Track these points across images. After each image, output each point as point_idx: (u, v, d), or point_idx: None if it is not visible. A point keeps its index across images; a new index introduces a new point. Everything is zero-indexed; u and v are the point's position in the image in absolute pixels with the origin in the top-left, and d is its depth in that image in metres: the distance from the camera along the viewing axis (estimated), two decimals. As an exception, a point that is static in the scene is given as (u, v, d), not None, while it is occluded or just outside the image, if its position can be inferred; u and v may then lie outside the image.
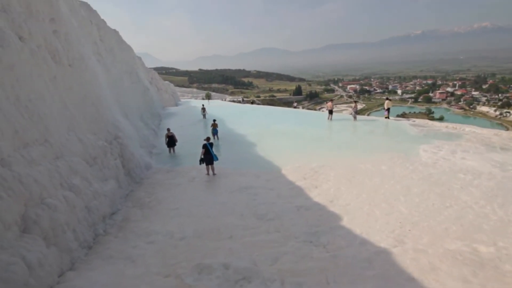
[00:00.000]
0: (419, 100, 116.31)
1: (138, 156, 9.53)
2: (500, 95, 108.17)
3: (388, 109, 18.24)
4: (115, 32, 16.48)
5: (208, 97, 57.74)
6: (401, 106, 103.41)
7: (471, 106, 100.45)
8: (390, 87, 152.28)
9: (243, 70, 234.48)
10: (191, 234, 5.27)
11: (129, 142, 9.01)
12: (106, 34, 13.34)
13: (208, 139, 9.39)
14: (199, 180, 8.83)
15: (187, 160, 11.22)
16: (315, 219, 5.77)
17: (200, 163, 9.12)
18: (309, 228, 5.39)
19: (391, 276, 3.63)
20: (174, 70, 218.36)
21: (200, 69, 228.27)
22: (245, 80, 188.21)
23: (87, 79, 7.68)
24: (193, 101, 49.46)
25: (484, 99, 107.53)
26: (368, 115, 71.07)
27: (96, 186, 5.94)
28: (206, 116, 22.96)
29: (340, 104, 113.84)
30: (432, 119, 79.68)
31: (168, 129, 12.50)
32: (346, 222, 5.52)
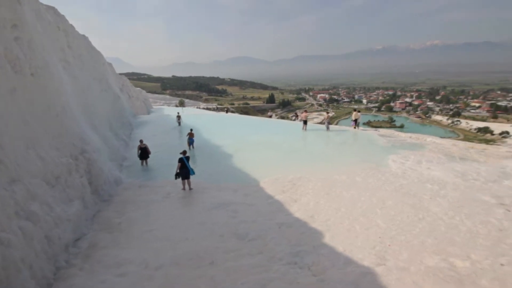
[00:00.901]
0: (382, 109, 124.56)
1: (107, 170, 8.82)
2: (451, 105, 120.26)
3: (356, 120, 19.11)
4: (84, 38, 15.49)
5: (182, 104, 56.40)
6: (366, 114, 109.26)
7: (427, 115, 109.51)
8: (356, 96, 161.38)
9: (218, 77, 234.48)
10: (168, 262, 4.87)
11: (97, 156, 8.30)
12: (74, 40, 12.42)
13: (184, 152, 8.99)
14: (174, 196, 8.37)
15: (161, 173, 10.66)
16: (297, 238, 5.68)
17: (176, 178, 8.69)
18: (292, 248, 5.28)
19: (379, 299, 3.62)
20: (146, 76, 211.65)
21: (174, 76, 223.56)
22: (219, 87, 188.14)
23: (52, 88, 6.98)
24: (166, 108, 47.89)
25: (437, 108, 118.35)
26: (336, 123, 74.19)
27: (58, 211, 5.31)
28: (181, 123, 22.70)
29: (311, 112, 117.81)
30: (394, 126, 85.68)
31: (141, 141, 11.86)
32: (328, 239, 5.50)
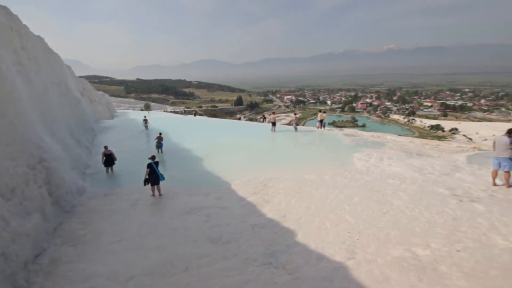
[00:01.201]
0: (345, 109, 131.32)
1: (68, 180, 8.15)
2: (406, 105, 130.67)
3: (321, 121, 19.93)
4: (40, 39, 14.22)
5: (147, 107, 54.15)
6: (331, 115, 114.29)
7: (385, 115, 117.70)
8: (321, 98, 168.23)
9: (184, 80, 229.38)
10: (140, 272, 4.63)
11: (57, 165, 7.64)
12: (29, 41, 11.36)
13: (153, 157, 8.64)
14: (143, 203, 7.99)
15: (128, 179, 10.12)
16: (271, 238, 5.75)
17: (145, 184, 8.32)
18: (266, 248, 5.33)
19: (351, 292, 3.80)
20: (108, 79, 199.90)
21: (138, 79, 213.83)
22: (186, 90, 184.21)
23: (4, 94, 6.29)
24: (131, 112, 45.57)
25: (395, 108, 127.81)
26: (304, 124, 76.45)
27: (15, 225, 4.80)
28: (149, 127, 22.05)
29: (279, 113, 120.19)
30: (357, 126, 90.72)
31: (106, 147, 11.15)
32: (300, 237, 5.65)
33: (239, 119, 39.47)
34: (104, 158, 10.89)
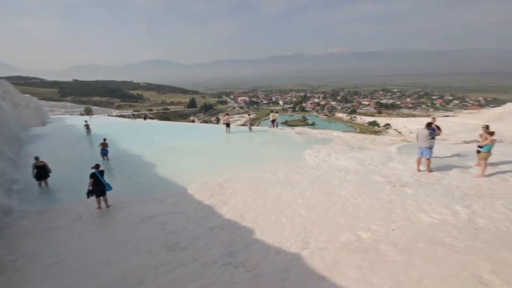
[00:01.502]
0: (296, 109, 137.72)
1: (-13, 200, 7.00)
2: (348, 104, 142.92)
3: (273, 121, 20.65)
4: None
5: (89, 112, 49.13)
6: (283, 115, 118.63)
7: (331, 113, 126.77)
8: (273, 98, 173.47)
9: (131, 82, 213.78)
10: (88, 293, 4.26)
11: (-32, 184, 6.51)
12: None
13: (97, 166, 7.92)
14: (88, 218, 7.29)
15: (68, 193, 9.10)
16: (229, 238, 5.79)
17: (88, 197, 7.59)
18: (225, 249, 5.36)
19: (306, 280, 4.05)
20: (38, 80, 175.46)
21: (75, 80, 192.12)
22: (134, 92, 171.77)
23: None
24: (68, 118, 40.80)
25: (339, 107, 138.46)
26: (258, 124, 77.89)
27: None
28: (91, 133, 20.10)
29: (233, 114, 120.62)
30: (307, 124, 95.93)
31: (37, 158, 9.79)
32: (258, 235, 5.80)
33: (193, 121, 38.44)
34: (36, 170, 9.59)
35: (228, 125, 19.41)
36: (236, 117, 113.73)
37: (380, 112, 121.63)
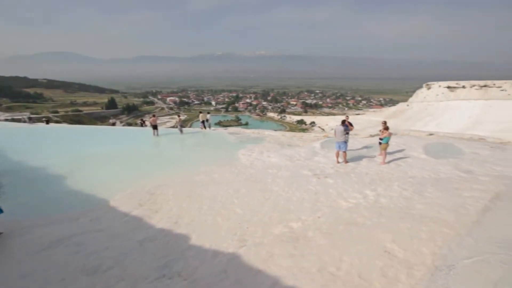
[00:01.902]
0: (229, 109, 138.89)
1: None
2: (278, 104, 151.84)
3: (203, 121, 20.38)
4: None
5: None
6: (217, 115, 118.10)
7: (263, 113, 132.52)
8: (205, 99, 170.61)
9: (25, 77, 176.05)
10: None
11: None
12: None
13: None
14: (-30, 252, 5.73)
15: None
16: (163, 249, 5.39)
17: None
18: (158, 261, 4.97)
19: (243, 277, 4.10)
20: None
21: None
22: (30, 91, 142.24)
23: None
24: None
25: (270, 107, 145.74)
26: (190, 126, 75.49)
27: None
28: None
29: (162, 116, 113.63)
30: (241, 124, 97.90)
31: None
32: (194, 240, 5.59)
33: (114, 124, 34.54)
34: None
35: (155, 127, 18.15)
36: (166, 118, 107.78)
37: (306, 111, 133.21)
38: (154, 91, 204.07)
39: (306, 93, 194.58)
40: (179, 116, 21.42)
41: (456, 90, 63.71)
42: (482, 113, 44.64)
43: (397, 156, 10.50)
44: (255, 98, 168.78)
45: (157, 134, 17.79)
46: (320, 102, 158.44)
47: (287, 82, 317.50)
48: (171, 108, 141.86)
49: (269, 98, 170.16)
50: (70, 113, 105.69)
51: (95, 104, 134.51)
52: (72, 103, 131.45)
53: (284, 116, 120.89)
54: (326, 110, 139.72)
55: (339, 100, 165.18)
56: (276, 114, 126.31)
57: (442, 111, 53.17)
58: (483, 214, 5.37)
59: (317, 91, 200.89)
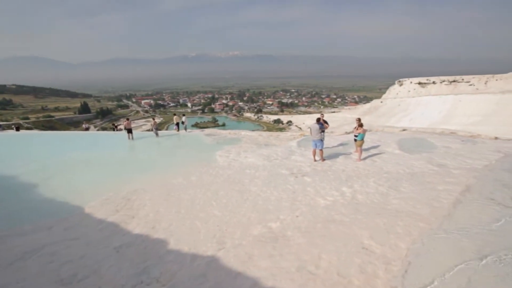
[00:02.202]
0: (206, 111, 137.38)
1: None
2: (255, 104, 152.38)
3: (178, 124, 20.07)
4: None
5: None
6: (193, 117, 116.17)
7: (240, 113, 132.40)
8: (181, 100, 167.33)
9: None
10: None
11: None
12: None
13: None
14: None
15: None
16: (140, 255, 5.29)
17: None
18: (136, 267, 4.87)
19: (223, 280, 4.13)
20: None
21: None
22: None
23: None
24: None
25: (246, 107, 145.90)
26: (166, 128, 73.73)
27: None
28: None
29: (138, 119, 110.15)
30: (218, 125, 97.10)
31: None
32: (173, 244, 5.53)
33: (87, 129, 32.90)
34: None
35: (130, 131, 17.57)
36: (141, 121, 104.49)
37: (282, 111, 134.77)
38: (128, 94, 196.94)
39: (281, 92, 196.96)
40: (153, 119, 20.90)
41: (427, 86, 67.30)
42: (453, 107, 46.30)
43: (372, 152, 10.94)
44: (231, 99, 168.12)
45: (132, 138, 17.24)
46: (296, 101, 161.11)
47: (262, 82, 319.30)
48: (147, 111, 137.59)
49: (245, 98, 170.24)
50: (41, 119, 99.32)
51: (67, 109, 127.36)
52: (43, 109, 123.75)
53: (261, 116, 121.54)
54: (302, 108, 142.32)
55: (315, 99, 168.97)
56: (253, 114, 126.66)
57: (414, 106, 55.12)
58: (454, 207, 5.61)
59: (293, 90, 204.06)
